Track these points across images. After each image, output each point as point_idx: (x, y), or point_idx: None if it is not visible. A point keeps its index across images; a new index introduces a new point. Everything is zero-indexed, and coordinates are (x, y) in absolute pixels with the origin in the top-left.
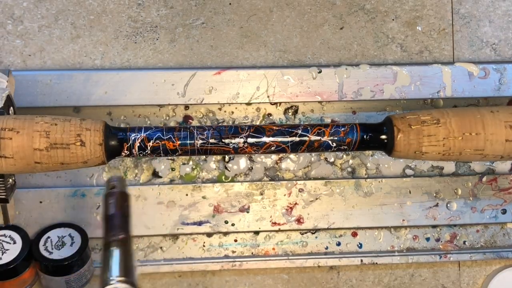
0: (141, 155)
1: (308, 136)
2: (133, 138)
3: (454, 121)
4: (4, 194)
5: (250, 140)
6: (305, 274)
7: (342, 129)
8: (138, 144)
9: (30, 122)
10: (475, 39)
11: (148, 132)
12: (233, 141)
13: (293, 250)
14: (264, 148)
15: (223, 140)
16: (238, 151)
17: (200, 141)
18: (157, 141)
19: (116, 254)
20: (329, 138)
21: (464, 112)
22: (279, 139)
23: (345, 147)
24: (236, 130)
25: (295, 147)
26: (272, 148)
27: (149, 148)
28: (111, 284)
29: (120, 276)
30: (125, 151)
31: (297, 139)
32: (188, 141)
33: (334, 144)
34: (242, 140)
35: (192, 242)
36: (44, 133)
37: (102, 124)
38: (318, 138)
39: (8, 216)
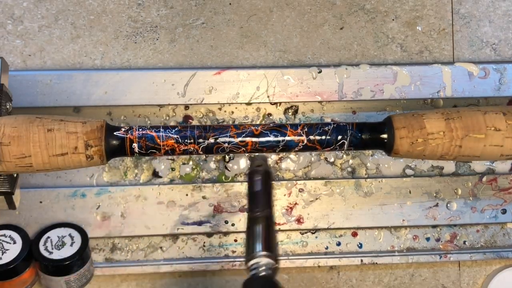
0: (141, 155)
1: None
2: (133, 138)
3: (454, 121)
4: (8, 187)
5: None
6: (305, 274)
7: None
8: (138, 144)
9: (29, 122)
10: (475, 39)
11: (148, 132)
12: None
13: (293, 250)
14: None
15: (223, 139)
16: (247, 150)
17: (201, 141)
18: (157, 140)
19: (260, 229)
20: (329, 138)
21: (464, 112)
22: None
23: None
24: (251, 132)
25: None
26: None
27: (149, 147)
28: (256, 258)
29: (264, 251)
30: (125, 151)
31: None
32: (188, 141)
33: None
34: (254, 140)
35: (192, 242)
36: (44, 133)
37: (102, 124)
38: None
39: (14, 204)
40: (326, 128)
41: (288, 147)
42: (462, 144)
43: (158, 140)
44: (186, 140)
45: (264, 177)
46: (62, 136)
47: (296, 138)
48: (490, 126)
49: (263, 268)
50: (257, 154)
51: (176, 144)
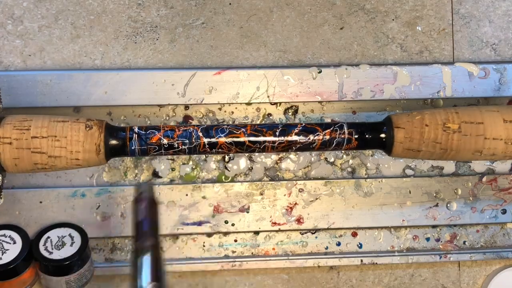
0: (141, 154)
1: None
2: (133, 138)
3: (455, 121)
4: None
5: (274, 138)
6: (305, 274)
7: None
8: (138, 144)
9: (29, 122)
10: (475, 39)
11: (148, 132)
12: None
13: (293, 250)
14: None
15: (224, 138)
16: (264, 149)
17: (200, 140)
18: (157, 140)
19: (147, 260)
20: (330, 137)
21: (464, 111)
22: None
23: (345, 146)
24: (258, 131)
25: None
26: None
27: (149, 147)
28: None
29: (152, 282)
30: (125, 151)
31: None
32: (188, 140)
33: (334, 143)
34: (271, 139)
35: (192, 242)
36: (44, 133)
37: (102, 124)
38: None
39: None
40: (326, 128)
41: (288, 148)
42: (462, 144)
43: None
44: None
45: (148, 205)
46: (62, 136)
47: (296, 138)
48: (489, 125)
49: None
50: (139, 182)
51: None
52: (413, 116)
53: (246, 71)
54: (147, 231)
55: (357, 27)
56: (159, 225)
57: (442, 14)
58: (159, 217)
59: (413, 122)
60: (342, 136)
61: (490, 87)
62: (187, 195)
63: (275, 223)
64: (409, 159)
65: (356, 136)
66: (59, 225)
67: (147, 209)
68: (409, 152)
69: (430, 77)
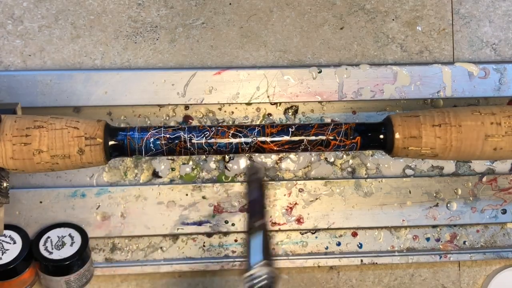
0: (141, 154)
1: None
2: (133, 137)
3: (454, 121)
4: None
5: (269, 139)
6: (305, 274)
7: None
8: (138, 144)
9: (29, 122)
10: (475, 39)
11: (148, 132)
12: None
13: (293, 250)
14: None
15: (224, 139)
16: (264, 150)
17: (200, 141)
18: (157, 141)
19: (258, 239)
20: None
21: (464, 111)
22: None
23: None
24: (258, 131)
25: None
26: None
27: (149, 147)
28: (257, 267)
29: (265, 260)
30: (125, 151)
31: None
32: (188, 140)
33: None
34: (250, 140)
35: (192, 242)
36: (44, 134)
37: (102, 124)
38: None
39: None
40: (326, 128)
41: (289, 149)
42: (461, 143)
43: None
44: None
45: (260, 185)
46: (62, 136)
47: (296, 138)
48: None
49: (265, 277)
50: (252, 163)
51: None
52: (413, 116)
53: (246, 71)
54: (258, 210)
55: (357, 27)
56: (266, 205)
57: (442, 14)
58: (266, 198)
59: (413, 122)
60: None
61: (490, 87)
62: (187, 195)
63: (275, 223)
64: (409, 159)
65: (356, 137)
66: (59, 225)
67: (259, 189)
68: (409, 153)
69: (430, 77)
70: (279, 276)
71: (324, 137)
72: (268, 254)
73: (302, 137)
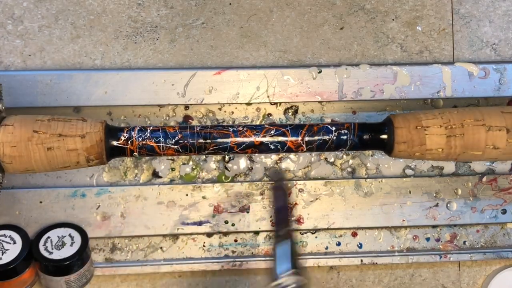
0: (141, 154)
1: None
2: (133, 138)
3: (454, 121)
4: None
5: (267, 139)
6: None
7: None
8: (138, 144)
9: (30, 122)
10: (475, 39)
11: (148, 132)
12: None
13: None
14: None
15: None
16: (243, 149)
17: (200, 140)
18: (157, 141)
19: (286, 247)
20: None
21: (464, 112)
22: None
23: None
24: (251, 143)
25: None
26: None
27: (149, 147)
28: (282, 277)
29: (293, 268)
30: (125, 151)
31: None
32: (188, 141)
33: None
34: (246, 139)
35: (192, 242)
36: (44, 134)
37: (103, 124)
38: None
39: None
40: (326, 128)
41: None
42: (462, 144)
43: (158, 150)
44: (186, 151)
45: (285, 192)
46: (62, 136)
47: (296, 139)
48: (490, 144)
49: (294, 286)
50: (275, 169)
51: (176, 153)
52: (413, 116)
53: (246, 71)
54: (284, 218)
55: (357, 27)
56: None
57: (442, 14)
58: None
59: (413, 123)
60: (343, 137)
61: (490, 87)
62: (187, 195)
63: (275, 223)
64: (409, 159)
65: (356, 137)
66: (59, 225)
67: (284, 197)
68: (409, 153)
69: (430, 77)
70: (308, 285)
71: (327, 137)
72: (295, 263)
73: (307, 138)
